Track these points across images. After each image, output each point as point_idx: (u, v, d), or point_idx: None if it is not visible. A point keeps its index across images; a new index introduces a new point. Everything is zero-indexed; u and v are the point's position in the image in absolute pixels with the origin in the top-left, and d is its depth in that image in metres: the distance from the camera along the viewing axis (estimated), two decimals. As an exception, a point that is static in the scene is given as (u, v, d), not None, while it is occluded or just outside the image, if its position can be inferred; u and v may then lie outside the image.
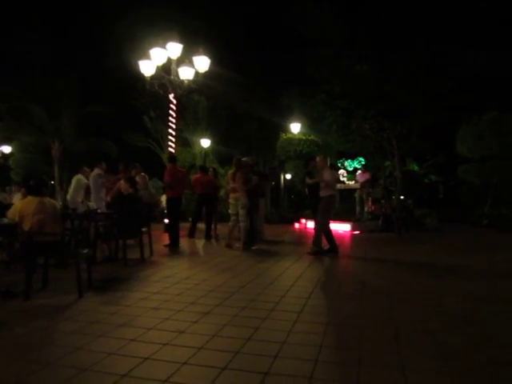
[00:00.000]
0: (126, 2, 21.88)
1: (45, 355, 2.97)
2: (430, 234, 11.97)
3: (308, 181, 8.20)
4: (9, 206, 5.90)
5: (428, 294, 4.88)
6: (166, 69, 10.12)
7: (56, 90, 20.28)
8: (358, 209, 13.59)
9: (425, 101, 11.31)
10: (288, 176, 21.61)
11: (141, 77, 10.28)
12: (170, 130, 10.81)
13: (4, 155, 21.63)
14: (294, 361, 2.89)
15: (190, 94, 15.47)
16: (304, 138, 16.67)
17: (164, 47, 9.83)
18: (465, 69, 10.84)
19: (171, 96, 10.54)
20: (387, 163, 14.90)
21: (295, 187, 21.09)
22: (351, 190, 13.99)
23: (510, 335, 3.46)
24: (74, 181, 9.45)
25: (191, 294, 4.72)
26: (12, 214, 4.81)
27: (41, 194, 4.94)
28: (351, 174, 19.46)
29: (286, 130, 17.63)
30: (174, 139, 10.84)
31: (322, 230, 7.74)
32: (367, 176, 14.37)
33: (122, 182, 7.38)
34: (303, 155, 15.83)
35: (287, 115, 17.81)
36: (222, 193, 11.16)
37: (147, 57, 9.85)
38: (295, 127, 17.26)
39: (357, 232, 11.93)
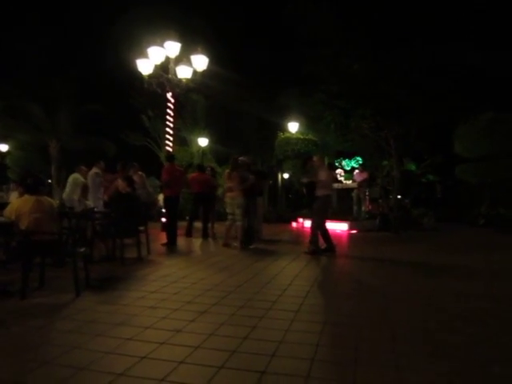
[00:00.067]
0: (124, 0, 21.79)
1: (42, 354, 2.97)
2: (427, 234, 11.98)
3: (304, 180, 8.21)
4: (5, 204, 5.89)
5: (425, 293, 4.89)
6: (164, 67, 10.11)
7: (53, 89, 20.20)
8: (355, 208, 13.60)
9: (422, 101, 11.33)
10: (286, 175, 21.63)
11: (139, 75, 10.28)
12: (168, 129, 10.80)
13: (1, 153, 21.55)
14: (291, 360, 2.90)
15: (187, 92, 15.39)
16: (302, 137, 16.67)
17: (162, 46, 9.82)
18: (462, 68, 10.85)
19: (169, 95, 10.53)
20: (385, 163, 14.93)
21: (293, 186, 21.11)
22: (349, 190, 13.99)
23: (509, 335, 3.47)
24: (70, 179, 9.44)
25: (188, 292, 4.72)
26: (9, 212, 4.80)
27: (38, 193, 4.93)
28: (349, 173, 19.52)
29: (284, 130, 17.62)
30: (171, 138, 10.83)
31: (319, 229, 7.75)
32: (365, 175, 14.39)
33: (119, 180, 7.38)
34: (301, 154, 15.83)
35: (285, 114, 17.79)
36: (219, 192, 11.15)
37: (145, 55, 9.85)
38: (293, 126, 17.26)
39: (354, 231, 11.94)
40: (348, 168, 21.46)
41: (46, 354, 2.96)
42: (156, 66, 9.96)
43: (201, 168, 10.71)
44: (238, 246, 8.34)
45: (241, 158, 8.91)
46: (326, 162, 9.77)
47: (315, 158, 8.11)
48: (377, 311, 4.11)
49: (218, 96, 19.16)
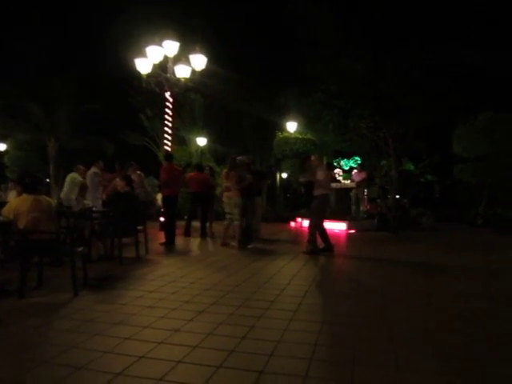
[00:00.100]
0: (123, 0, 21.75)
1: (40, 353, 2.96)
2: (425, 234, 12.00)
3: (301, 179, 8.20)
4: (4, 203, 5.88)
5: (423, 293, 4.89)
6: (163, 67, 10.08)
7: (52, 88, 20.16)
8: (353, 208, 13.61)
9: (421, 101, 11.34)
10: (284, 175, 21.63)
11: (137, 75, 10.26)
12: (167, 129, 10.79)
13: (-1, 153, 21.53)
14: (289, 359, 2.90)
15: (186, 92, 15.39)
16: (300, 136, 16.68)
17: (160, 45, 9.80)
18: (461, 69, 10.86)
19: (167, 94, 10.52)
20: (383, 162, 14.93)
21: (291, 186, 21.12)
22: (347, 189, 13.99)
23: (509, 335, 3.48)
24: (68, 179, 9.43)
25: (186, 292, 4.72)
26: (7, 211, 4.79)
27: (36, 192, 4.92)
28: (347, 173, 19.52)
29: (283, 129, 17.62)
30: (170, 137, 10.82)
31: (317, 228, 7.75)
32: (363, 175, 14.40)
33: (117, 179, 7.38)
34: (299, 154, 15.85)
35: (284, 114, 17.79)
36: (218, 191, 11.16)
37: (143, 55, 9.82)
38: (292, 126, 17.26)
39: (352, 231, 11.95)
40: (346, 168, 21.46)
41: (44, 354, 2.95)
42: (154, 66, 9.94)
43: (199, 167, 10.71)
44: (236, 246, 8.34)
45: (239, 158, 8.92)
46: (325, 162, 9.78)
47: (313, 158, 8.11)
48: (375, 311, 4.12)
49: (217, 95, 19.15)
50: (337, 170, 20.22)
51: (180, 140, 18.98)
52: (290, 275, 5.76)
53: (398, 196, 13.04)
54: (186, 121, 19.73)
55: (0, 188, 14.07)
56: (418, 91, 11.15)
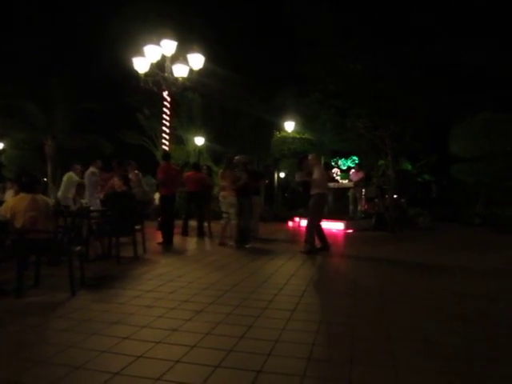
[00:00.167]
0: (120, -2, 21.71)
1: (37, 353, 2.96)
2: (422, 233, 12.03)
3: (296, 178, 8.20)
4: (1, 203, 5.86)
5: (421, 292, 4.90)
6: (160, 66, 10.07)
7: (50, 87, 20.13)
8: (351, 207, 13.61)
9: (419, 100, 11.36)
10: (282, 174, 21.64)
11: (135, 74, 10.24)
12: (164, 128, 10.79)
13: (-4, 152, 21.48)
14: (287, 359, 2.90)
15: (184, 91, 15.40)
16: (298, 136, 16.70)
17: (158, 44, 9.78)
18: (460, 69, 10.89)
19: (165, 93, 10.51)
20: (381, 162, 14.96)
21: (289, 185, 21.12)
22: (345, 189, 14.01)
23: (508, 335, 3.48)
24: (64, 178, 9.42)
25: (184, 292, 4.72)
26: (4, 210, 4.78)
27: (33, 191, 4.91)
28: (345, 172, 19.52)
29: (281, 129, 17.64)
30: (167, 137, 10.82)
31: (313, 227, 7.75)
32: (361, 175, 14.40)
33: (115, 179, 7.36)
34: (297, 153, 15.85)
35: (281, 113, 17.81)
36: (215, 191, 11.16)
37: (141, 54, 9.80)
38: (289, 125, 17.28)
39: (350, 231, 11.96)
40: (344, 167, 21.47)
41: (41, 353, 2.95)
42: (152, 65, 9.92)
43: (196, 167, 10.70)
44: (233, 245, 8.35)
45: (237, 158, 8.91)
46: (323, 162, 9.77)
47: (310, 157, 8.11)
48: (373, 310, 4.12)
49: (215, 95, 19.16)
50: (334, 170, 20.24)
51: (178, 139, 18.97)
52: (287, 275, 5.76)
53: (395, 196, 13.05)
54: (184, 120, 19.75)
55: (-3, 187, 14.01)
56: (416, 91, 11.17)
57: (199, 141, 19.58)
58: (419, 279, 5.70)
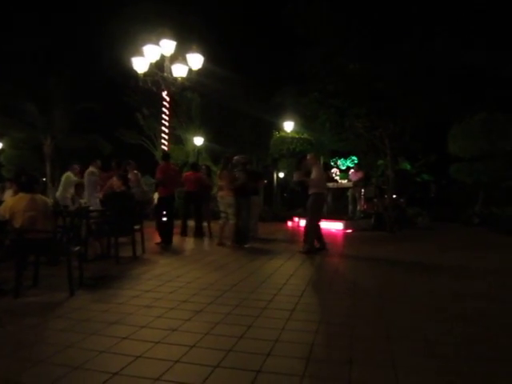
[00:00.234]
0: (119, -2, 21.66)
1: (36, 353, 2.95)
2: (421, 233, 12.04)
3: (294, 178, 8.20)
4: (0, 202, 5.85)
5: (421, 292, 4.90)
6: (160, 66, 10.06)
7: (48, 87, 20.12)
8: (350, 207, 13.62)
9: (418, 100, 11.36)
10: (281, 174, 21.64)
11: (134, 74, 10.23)
12: (163, 128, 10.78)
13: (-5, 152, 21.44)
14: (287, 359, 2.90)
15: (183, 91, 15.39)
16: (297, 136, 16.68)
17: (157, 44, 9.77)
18: (459, 69, 10.89)
19: (164, 93, 10.51)
20: (380, 162, 14.97)
21: (288, 185, 21.12)
22: (344, 189, 14.01)
23: (508, 335, 3.48)
24: (63, 178, 9.42)
25: (183, 292, 4.71)
26: (3, 210, 4.77)
27: (32, 191, 4.90)
28: (344, 172, 19.53)
29: (280, 129, 17.62)
30: (167, 137, 10.81)
31: (313, 227, 7.75)
32: (360, 175, 14.41)
33: (114, 178, 7.35)
34: (296, 153, 15.85)
35: (280, 113, 17.80)
36: (214, 191, 11.15)
37: (140, 54, 9.79)
38: (288, 125, 17.26)
39: (349, 230, 11.96)
40: (343, 167, 21.48)
41: (40, 353, 2.94)
42: (151, 65, 9.90)
43: (194, 167, 10.69)
44: (231, 245, 8.35)
45: (236, 158, 8.91)
46: (322, 162, 9.78)
47: (309, 157, 8.11)
48: (372, 310, 4.12)
49: (214, 95, 19.15)
50: (334, 170, 20.25)
51: (177, 139, 18.97)
52: (287, 275, 5.75)
53: (394, 195, 13.05)
54: (183, 120, 19.73)
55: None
56: (415, 91, 11.17)
57: (198, 141, 19.56)
58: (419, 279, 5.70)
